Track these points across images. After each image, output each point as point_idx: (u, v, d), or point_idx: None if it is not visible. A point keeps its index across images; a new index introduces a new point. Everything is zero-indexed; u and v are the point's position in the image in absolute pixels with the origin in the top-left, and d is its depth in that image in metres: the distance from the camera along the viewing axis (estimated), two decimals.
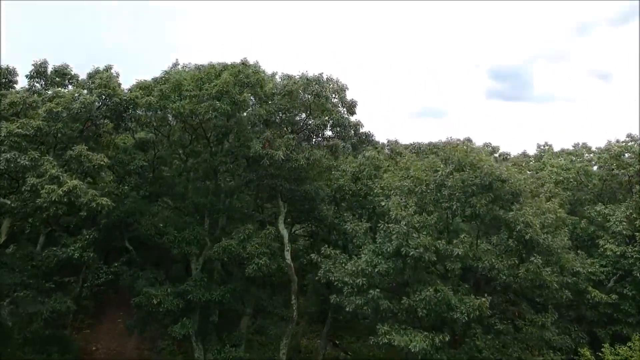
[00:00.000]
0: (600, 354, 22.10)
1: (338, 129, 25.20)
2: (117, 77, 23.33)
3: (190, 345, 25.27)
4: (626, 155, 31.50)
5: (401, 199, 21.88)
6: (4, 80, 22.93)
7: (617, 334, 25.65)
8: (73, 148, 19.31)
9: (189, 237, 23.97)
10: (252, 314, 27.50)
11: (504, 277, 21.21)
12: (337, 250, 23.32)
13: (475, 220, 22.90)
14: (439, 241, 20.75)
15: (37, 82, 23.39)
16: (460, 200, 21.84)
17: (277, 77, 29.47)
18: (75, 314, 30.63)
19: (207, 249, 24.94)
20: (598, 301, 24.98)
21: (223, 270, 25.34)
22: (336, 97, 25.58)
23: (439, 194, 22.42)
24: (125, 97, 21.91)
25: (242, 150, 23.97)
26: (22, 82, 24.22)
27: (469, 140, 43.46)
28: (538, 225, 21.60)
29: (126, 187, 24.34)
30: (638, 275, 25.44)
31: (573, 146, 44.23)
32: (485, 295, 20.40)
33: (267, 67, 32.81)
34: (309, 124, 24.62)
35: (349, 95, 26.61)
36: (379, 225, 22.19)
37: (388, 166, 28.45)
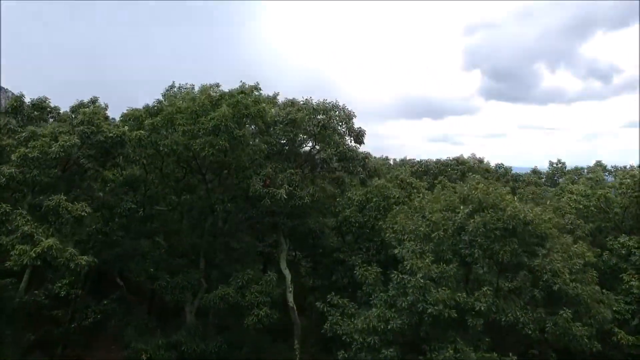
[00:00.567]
0: None
1: (345, 163, 23.11)
2: (105, 109, 21.21)
3: None
4: None
5: (416, 245, 19.81)
6: None
7: None
8: (50, 198, 17.18)
9: (182, 283, 21.90)
10: None
11: (530, 332, 19.24)
12: (344, 299, 21.23)
13: (497, 267, 20.85)
14: (459, 294, 18.74)
15: (14, 118, 21.12)
16: (482, 247, 19.77)
17: (278, 98, 27.50)
18: (64, 344, 28.72)
19: (202, 292, 22.90)
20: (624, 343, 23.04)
21: (219, 316, 23.26)
22: (343, 126, 23.55)
23: (458, 238, 20.35)
24: (111, 134, 19.79)
25: (241, 188, 21.89)
26: None
27: (480, 160, 41.53)
28: (567, 274, 19.68)
29: (115, 227, 22.20)
30: None
31: (589, 170, 42.30)
32: (510, 354, 18.43)
33: (268, 87, 30.75)
34: (315, 158, 22.53)
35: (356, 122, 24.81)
36: (392, 274, 20.22)
37: (398, 198, 26.39)
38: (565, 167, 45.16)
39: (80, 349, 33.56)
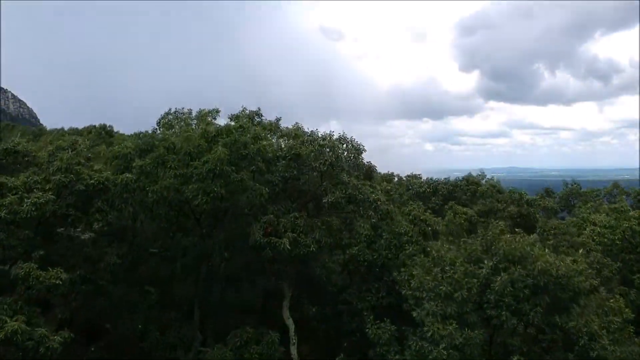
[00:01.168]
0: None
1: (355, 206, 20.95)
2: (87, 150, 19.00)
3: None
4: None
5: (437, 306, 17.62)
6: None
7: None
8: (20, 266, 14.98)
9: (173, 340, 19.71)
10: None
11: None
12: None
13: (527, 329, 18.72)
14: None
15: None
16: (510, 308, 17.60)
17: (280, 122, 25.40)
18: None
19: (197, 346, 20.71)
20: None
21: None
22: (351, 159, 21.44)
23: (482, 297, 18.16)
24: (93, 181, 17.61)
25: (240, 233, 19.71)
26: None
27: (494, 186, 39.32)
28: (605, 336, 17.57)
29: (100, 274, 19.96)
30: None
31: (606, 192, 40.24)
32: None
33: (269, 113, 28.46)
34: (323, 201, 20.33)
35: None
36: (408, 334, 18.10)
37: (411, 236, 24.21)
38: (581, 188, 43.04)
39: None
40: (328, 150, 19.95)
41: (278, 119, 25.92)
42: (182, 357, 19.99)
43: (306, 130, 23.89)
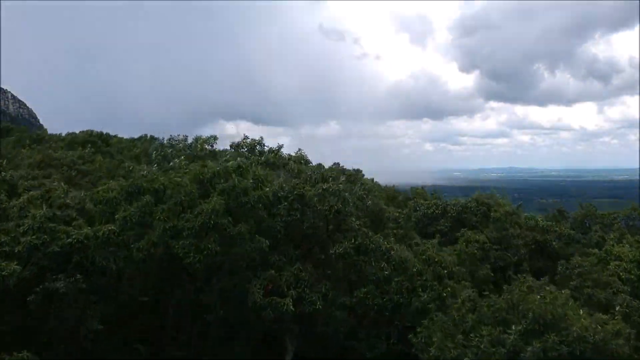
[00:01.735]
0: None
1: (365, 256, 18.89)
2: (64, 194, 16.87)
3: None
4: None
5: None
6: None
7: None
8: None
9: None
10: None
11: None
12: None
13: None
14: None
15: None
16: None
17: (282, 151, 23.36)
18: None
19: None
20: None
21: None
22: (359, 202, 19.41)
23: None
24: (71, 239, 15.52)
25: (238, 289, 17.62)
26: None
27: (511, 214, 37.16)
28: None
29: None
30: None
31: (625, 215, 38.17)
32: None
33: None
34: (329, 251, 18.26)
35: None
36: None
37: (425, 280, 22.14)
38: (597, 210, 40.98)
39: None
40: (334, 197, 17.88)
41: (280, 146, 23.93)
42: None
43: (309, 159, 21.94)
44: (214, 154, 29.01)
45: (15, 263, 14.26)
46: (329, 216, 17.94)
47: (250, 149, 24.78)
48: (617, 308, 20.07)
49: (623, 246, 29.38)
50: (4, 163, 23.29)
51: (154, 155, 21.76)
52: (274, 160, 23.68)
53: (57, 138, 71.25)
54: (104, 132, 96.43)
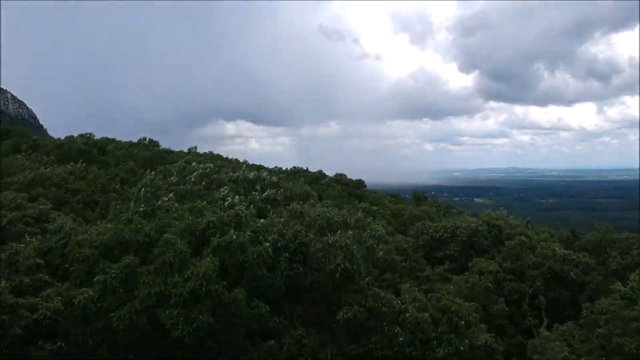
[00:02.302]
0: None
1: (377, 322, 16.80)
2: (35, 254, 14.81)
3: None
4: None
5: None
6: None
7: None
8: None
9: None
10: None
11: None
12: None
13: None
14: None
15: None
16: None
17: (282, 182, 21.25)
18: None
19: None
20: None
21: None
22: (370, 257, 17.36)
23: None
24: (37, 316, 13.43)
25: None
26: None
27: (525, 241, 35.04)
28: None
29: None
30: None
31: None
32: None
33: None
34: (337, 318, 16.18)
35: None
36: None
37: (441, 333, 20.11)
38: (614, 234, 38.80)
39: None
40: (340, 251, 15.80)
41: (279, 168, 21.71)
42: None
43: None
44: (210, 183, 26.95)
45: None
46: (336, 275, 15.89)
47: (250, 183, 22.78)
48: None
49: None
50: None
51: (142, 193, 19.71)
52: (275, 196, 21.63)
53: (53, 144, 69.29)
54: (102, 136, 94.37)
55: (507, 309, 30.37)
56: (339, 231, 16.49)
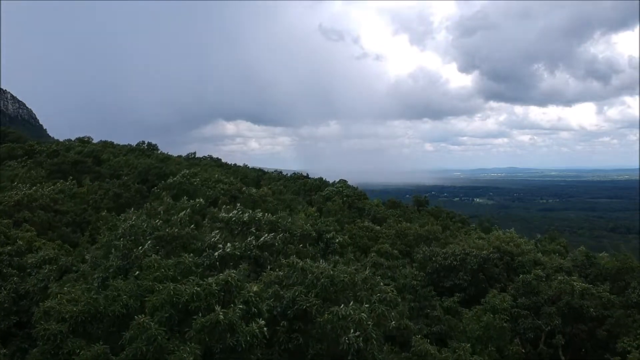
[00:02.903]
0: None
1: None
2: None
3: None
4: None
5: None
6: None
7: None
8: None
9: None
10: None
11: None
12: None
13: None
14: None
15: None
16: None
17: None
18: None
19: None
20: None
21: None
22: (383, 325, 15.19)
23: None
24: None
25: None
26: None
27: (539, 274, 32.86)
28: None
29: None
30: None
31: None
32: None
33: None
34: None
35: None
36: None
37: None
38: (633, 261, 36.61)
39: None
40: (353, 331, 13.60)
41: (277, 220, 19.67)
42: None
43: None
44: (200, 219, 24.82)
45: None
46: (347, 357, 13.70)
47: (244, 225, 20.64)
48: None
49: None
50: None
51: (120, 245, 17.61)
52: (273, 241, 19.50)
53: (49, 150, 67.30)
54: (100, 140, 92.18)
55: (523, 350, 28.32)
56: (351, 303, 14.29)
